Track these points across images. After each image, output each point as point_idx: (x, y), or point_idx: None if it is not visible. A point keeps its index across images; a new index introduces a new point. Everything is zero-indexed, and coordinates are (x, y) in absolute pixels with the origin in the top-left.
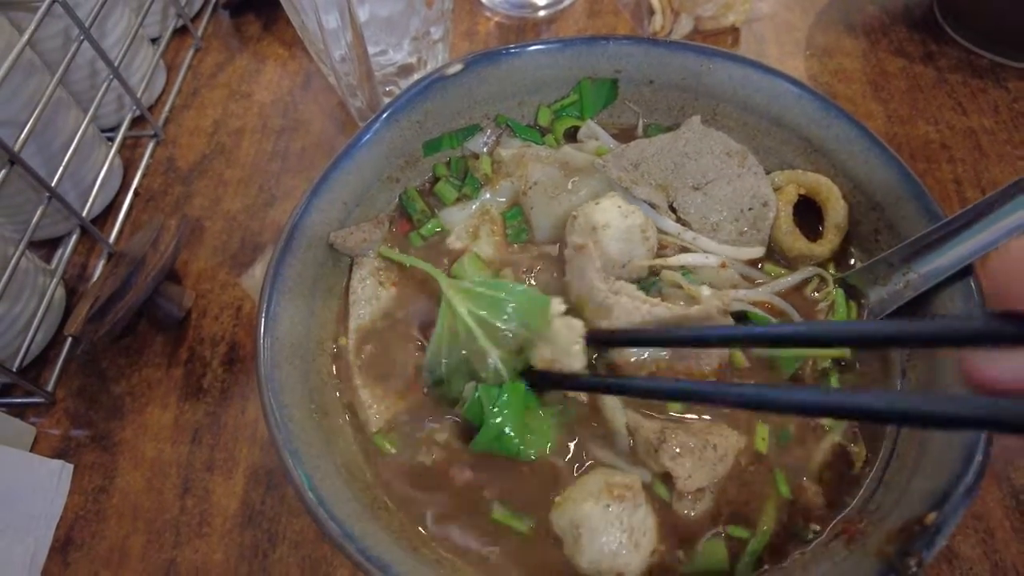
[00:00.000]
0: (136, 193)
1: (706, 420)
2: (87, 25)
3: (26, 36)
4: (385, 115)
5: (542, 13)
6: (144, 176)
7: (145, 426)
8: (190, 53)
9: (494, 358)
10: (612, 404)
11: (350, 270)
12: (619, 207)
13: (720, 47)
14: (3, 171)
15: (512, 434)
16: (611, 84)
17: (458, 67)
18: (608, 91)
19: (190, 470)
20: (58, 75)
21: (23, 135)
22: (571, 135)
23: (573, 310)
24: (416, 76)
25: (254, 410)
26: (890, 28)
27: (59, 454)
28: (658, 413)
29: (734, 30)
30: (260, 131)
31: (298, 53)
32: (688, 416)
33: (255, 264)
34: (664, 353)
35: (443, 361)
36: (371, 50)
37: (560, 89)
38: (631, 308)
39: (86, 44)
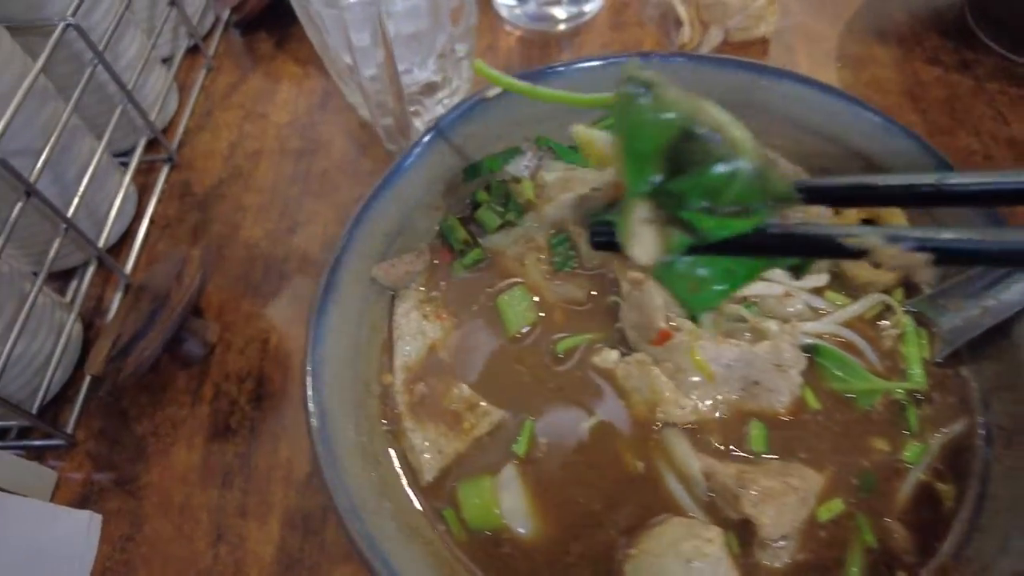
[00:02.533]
0: (152, 220)
1: (779, 460)
2: (101, 48)
3: (40, 61)
4: (426, 140)
5: (562, 27)
6: (159, 202)
7: (172, 468)
8: (202, 73)
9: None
10: (683, 449)
11: (392, 304)
12: None
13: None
14: (19, 203)
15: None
16: None
17: (499, 89)
18: None
19: (222, 515)
20: (73, 101)
21: (39, 165)
22: None
23: (628, 348)
24: (440, 94)
25: (287, 449)
26: (922, 36)
27: (82, 499)
28: (731, 453)
29: (763, 41)
30: (278, 153)
31: (313, 71)
32: (763, 458)
33: (281, 294)
34: (734, 395)
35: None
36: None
37: (601, 110)
38: (695, 348)
39: (99, 68)
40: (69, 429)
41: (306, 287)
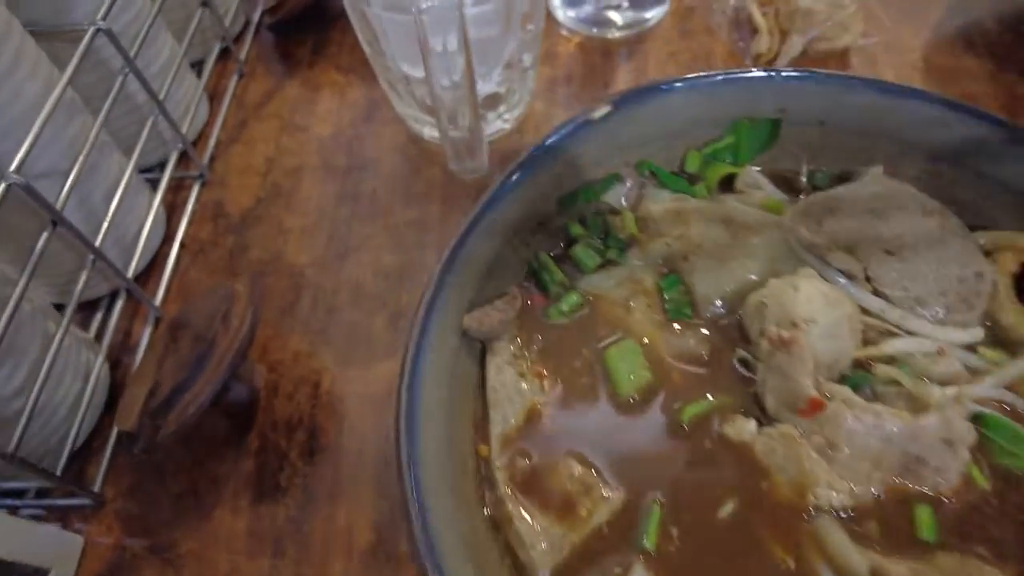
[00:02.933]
0: (182, 244)
1: (953, 555)
2: (132, 54)
3: (69, 70)
4: (524, 166)
5: (622, 33)
6: (190, 224)
7: (214, 534)
8: (233, 80)
9: None
10: (841, 541)
11: (482, 358)
12: (824, 295)
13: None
14: (45, 234)
15: None
16: (772, 125)
17: (605, 109)
18: (768, 133)
19: None
20: (103, 113)
21: (65, 189)
22: (724, 184)
23: (766, 421)
24: (502, 108)
25: (345, 513)
26: (1014, 46)
27: (113, 568)
28: (895, 545)
29: (844, 52)
30: (322, 170)
31: (355, 80)
32: (931, 551)
33: (332, 329)
34: (895, 475)
35: None
36: None
37: (710, 130)
38: (851, 420)
39: (130, 76)
40: (96, 486)
41: (360, 321)
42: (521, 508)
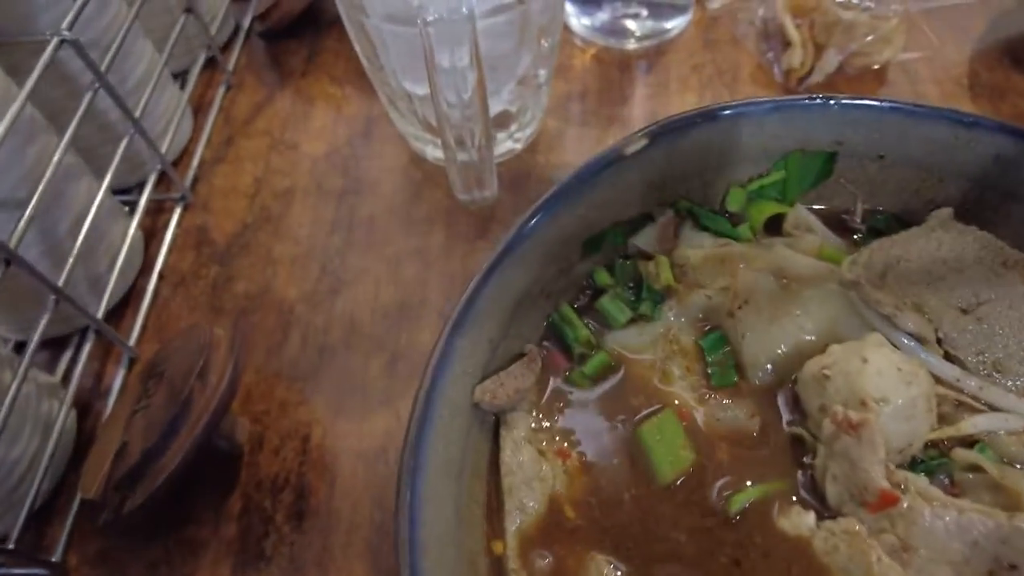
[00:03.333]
0: (161, 276)
1: None
2: (104, 68)
3: (28, 86)
4: (546, 208)
5: (640, 43)
6: (170, 252)
7: None
8: (220, 92)
9: None
10: None
11: (495, 434)
12: (899, 369)
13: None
14: None
15: None
16: (827, 158)
17: (641, 143)
18: (821, 167)
19: None
20: (68, 134)
21: (21, 224)
22: (770, 225)
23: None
24: (513, 127)
25: None
26: None
27: None
28: None
29: (883, 68)
30: (315, 193)
31: (352, 93)
32: None
33: (323, 373)
34: None
35: None
36: None
37: (758, 163)
38: (930, 518)
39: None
40: (57, 554)
41: (355, 365)
42: None
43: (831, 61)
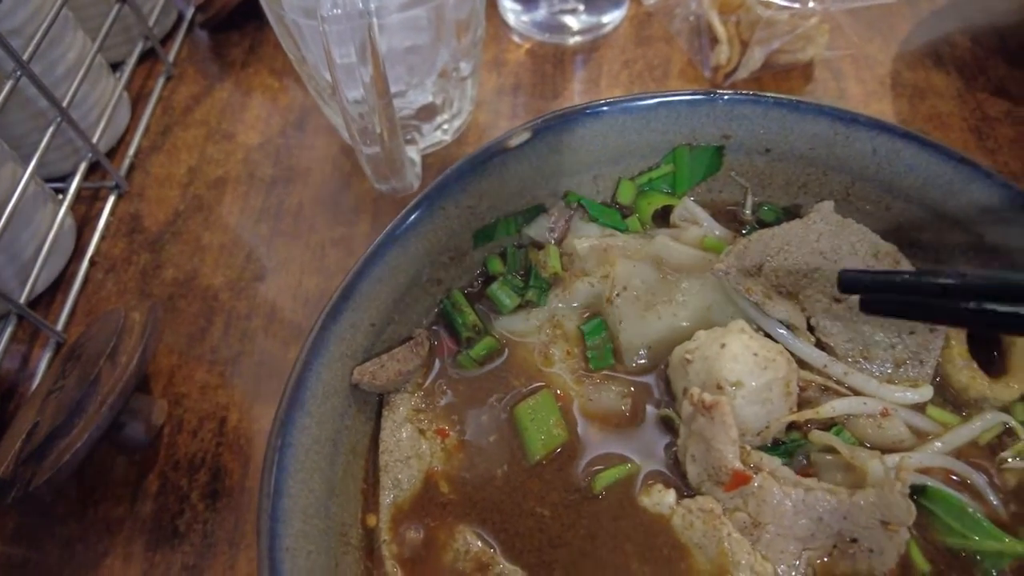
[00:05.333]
0: (92, 262)
1: None
2: (27, 56)
3: None
4: (427, 201)
5: (577, 39)
6: (103, 239)
7: None
8: (160, 82)
9: None
10: None
11: (378, 415)
12: (755, 355)
13: (795, 89)
14: None
15: None
16: (715, 152)
17: (524, 136)
18: (710, 161)
19: None
20: None
21: None
22: (660, 216)
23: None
24: (439, 119)
25: (246, 563)
26: (985, 62)
27: None
28: None
29: (808, 65)
30: (246, 182)
31: (290, 84)
32: None
33: (243, 358)
34: (825, 556)
35: None
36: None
37: (647, 158)
38: (779, 496)
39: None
40: None
41: (274, 352)
42: None
43: (756, 58)
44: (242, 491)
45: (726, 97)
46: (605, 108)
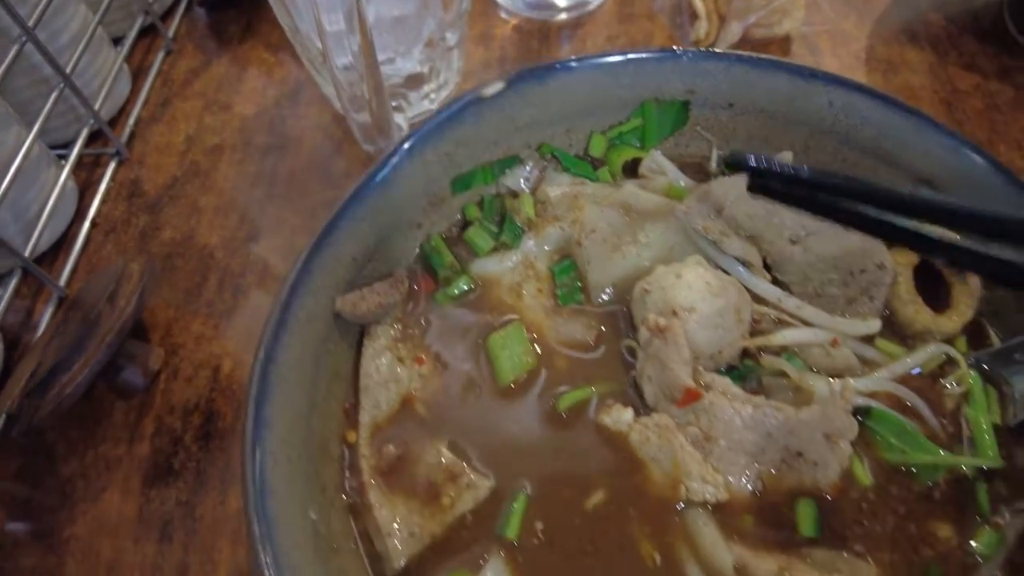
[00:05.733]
0: (94, 223)
1: (825, 550)
2: (32, 23)
3: None
4: (407, 146)
5: (563, 16)
6: (103, 202)
7: (101, 519)
8: (159, 57)
9: None
10: (711, 536)
11: (360, 343)
12: (707, 283)
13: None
14: None
15: None
16: (681, 107)
17: (498, 87)
18: (677, 115)
19: None
20: None
21: None
22: (630, 168)
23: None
24: (427, 87)
25: (236, 499)
26: (958, 39)
27: None
28: (770, 541)
29: (786, 40)
30: (241, 149)
31: (285, 58)
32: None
33: (236, 312)
34: (773, 469)
35: None
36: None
37: (618, 112)
38: (729, 412)
39: (30, 46)
40: None
41: (266, 305)
42: (382, 496)
43: (733, 31)
44: (233, 433)
45: (690, 54)
46: (575, 64)
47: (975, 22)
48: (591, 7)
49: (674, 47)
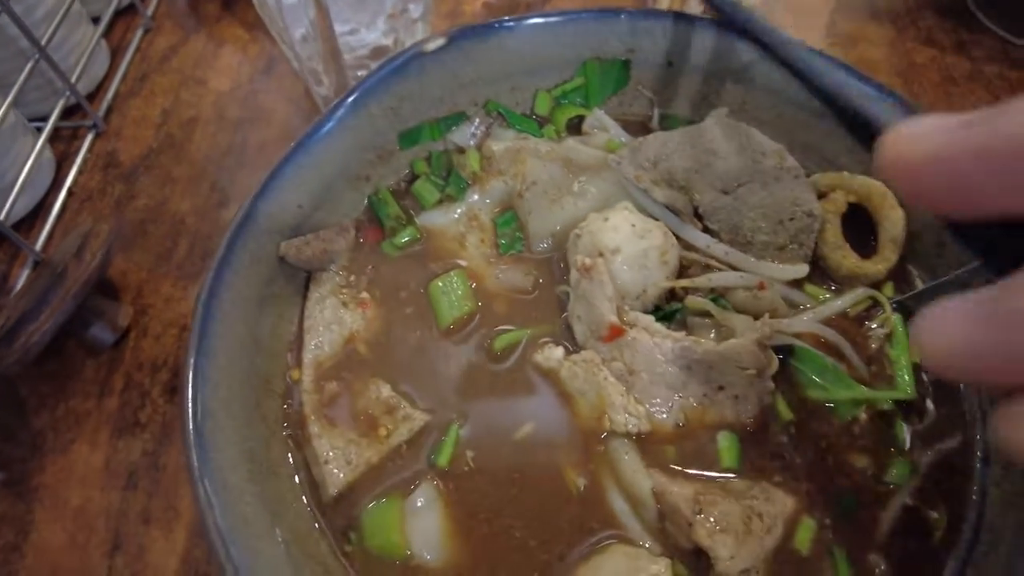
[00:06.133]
0: (70, 192)
1: (743, 480)
2: None
3: None
4: (351, 99)
5: None
6: (80, 173)
7: (70, 468)
8: (138, 34)
9: None
10: (632, 464)
11: (306, 288)
12: (632, 225)
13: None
14: None
15: None
16: (622, 66)
17: (440, 42)
18: (618, 74)
19: (122, 522)
20: None
21: None
22: (574, 126)
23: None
24: None
25: None
26: (917, 15)
27: None
28: (690, 471)
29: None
30: (215, 122)
31: (260, 36)
32: (725, 476)
33: (205, 274)
34: (695, 402)
35: None
36: (340, 29)
37: (562, 71)
38: (651, 346)
39: (5, 18)
40: None
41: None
42: (321, 428)
43: (693, 7)
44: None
45: (627, 13)
46: (511, 23)
47: None
48: None
49: (612, 7)
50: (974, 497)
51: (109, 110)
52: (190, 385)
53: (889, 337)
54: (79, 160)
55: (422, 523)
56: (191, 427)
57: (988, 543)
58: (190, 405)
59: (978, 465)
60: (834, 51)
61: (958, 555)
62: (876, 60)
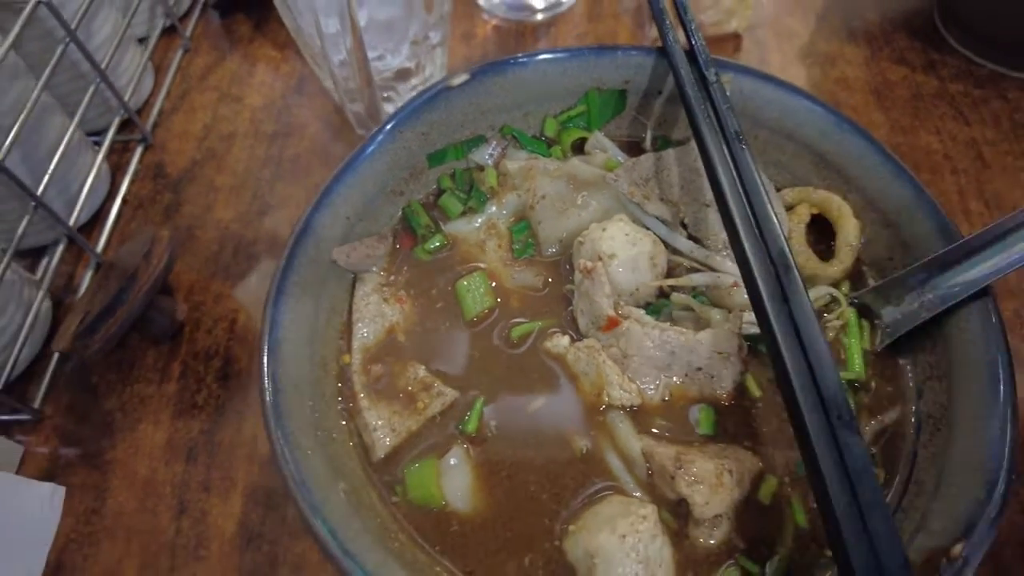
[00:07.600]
0: (124, 200)
1: (717, 443)
2: (73, 27)
3: (10, 38)
4: (389, 127)
5: (540, 16)
6: (132, 183)
7: (137, 444)
8: (178, 54)
9: None
10: (626, 431)
11: (353, 286)
12: (626, 235)
13: (725, 56)
14: None
15: None
16: (619, 95)
17: (464, 77)
18: (616, 102)
19: (185, 490)
20: (44, 78)
21: (7, 142)
22: (578, 147)
23: (580, 335)
24: (414, 81)
25: (250, 428)
26: (891, 36)
27: (47, 473)
28: (674, 437)
29: (736, 37)
30: (252, 136)
31: (290, 55)
32: (703, 440)
33: (250, 275)
34: (678, 380)
35: None
36: (370, 55)
37: (567, 100)
38: (641, 335)
39: (72, 46)
40: (36, 404)
41: (274, 269)
42: (369, 402)
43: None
44: (248, 375)
45: (622, 50)
46: (524, 60)
47: (908, 20)
48: (563, 8)
49: (610, 44)
50: (907, 458)
51: (155, 125)
52: (266, 365)
53: (844, 328)
54: (131, 171)
55: (454, 479)
56: (269, 400)
57: (914, 493)
58: (267, 382)
59: (912, 432)
60: (814, 71)
61: (892, 503)
62: (853, 79)
